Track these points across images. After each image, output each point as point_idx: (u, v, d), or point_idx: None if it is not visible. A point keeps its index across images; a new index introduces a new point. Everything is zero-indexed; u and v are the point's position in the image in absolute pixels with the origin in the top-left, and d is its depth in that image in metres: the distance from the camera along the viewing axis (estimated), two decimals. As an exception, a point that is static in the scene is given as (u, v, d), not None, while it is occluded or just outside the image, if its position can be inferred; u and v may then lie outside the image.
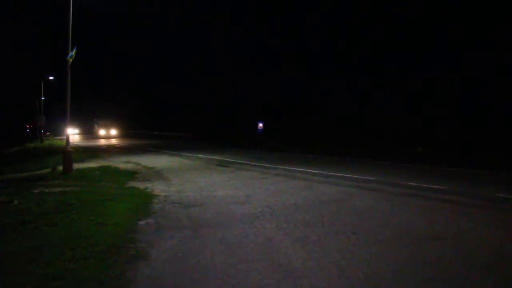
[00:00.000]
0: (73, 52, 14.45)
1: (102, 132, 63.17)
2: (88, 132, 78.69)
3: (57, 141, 43.45)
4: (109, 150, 29.29)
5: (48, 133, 62.92)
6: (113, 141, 44.78)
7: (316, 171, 14.14)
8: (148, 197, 9.69)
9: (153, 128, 65.29)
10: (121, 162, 18.95)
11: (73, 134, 78.20)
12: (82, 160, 19.74)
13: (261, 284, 4.38)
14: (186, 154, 23.98)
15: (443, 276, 4.58)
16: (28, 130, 79.49)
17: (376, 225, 6.84)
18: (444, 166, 15.80)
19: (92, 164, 17.93)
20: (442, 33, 29.94)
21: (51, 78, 48.45)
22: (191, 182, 12.18)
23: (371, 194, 9.75)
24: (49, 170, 15.07)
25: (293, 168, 15.15)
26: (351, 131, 32.47)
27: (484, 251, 5.45)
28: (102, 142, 44.02)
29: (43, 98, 50.97)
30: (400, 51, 32.96)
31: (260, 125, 36.52)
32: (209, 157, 21.63)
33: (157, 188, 11.13)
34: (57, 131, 67.48)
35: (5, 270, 4.63)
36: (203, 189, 10.92)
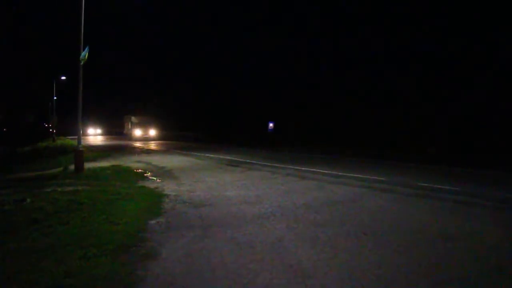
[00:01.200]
0: (86, 52, 14.54)
1: (138, 132, 51.55)
2: (118, 132, 68.19)
3: (69, 140, 43.81)
4: (121, 150, 29.40)
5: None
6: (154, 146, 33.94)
7: (327, 171, 14.09)
8: (159, 196, 9.73)
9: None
10: (132, 162, 19.05)
11: (94, 134, 73.14)
12: (93, 160, 19.90)
13: (271, 284, 4.37)
14: (197, 153, 24.05)
15: (455, 278, 4.53)
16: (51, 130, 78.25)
17: (387, 226, 6.80)
18: (456, 166, 15.65)
19: (104, 163, 18.05)
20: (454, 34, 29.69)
21: (63, 78, 48.81)
22: (201, 182, 12.20)
23: (382, 195, 9.69)
24: (61, 169, 15.20)
25: (304, 168, 15.12)
26: (362, 131, 32.29)
27: (497, 252, 5.38)
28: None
29: (55, 98, 51.42)
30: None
31: (271, 125, 36.57)
32: (220, 157, 21.68)
33: (168, 187, 11.16)
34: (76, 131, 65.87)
35: (19, 268, 4.67)
36: (214, 189, 10.94)
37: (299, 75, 44.92)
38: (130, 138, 50.30)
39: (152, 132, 51.92)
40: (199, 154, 23.85)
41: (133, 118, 53.42)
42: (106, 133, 76.45)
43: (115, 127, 73.67)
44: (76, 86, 14.95)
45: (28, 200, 8.50)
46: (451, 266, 4.86)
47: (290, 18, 57.83)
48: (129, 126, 54.48)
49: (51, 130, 52.55)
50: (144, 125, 52.06)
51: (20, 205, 8.16)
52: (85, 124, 69.37)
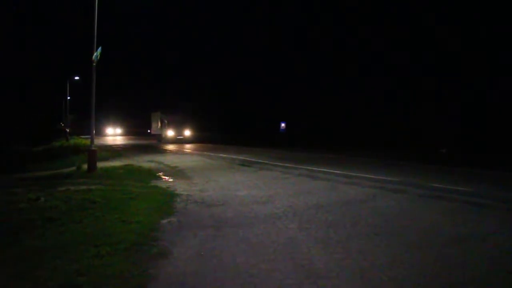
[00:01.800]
0: (98, 53, 14.66)
1: (170, 132, 40.81)
2: (139, 132, 63.51)
3: (82, 140, 44.23)
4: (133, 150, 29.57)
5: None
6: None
7: (339, 172, 14.02)
8: (171, 196, 9.77)
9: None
10: (144, 161, 19.18)
11: (113, 135, 69.28)
12: (106, 159, 20.07)
13: (282, 284, 4.35)
14: (209, 153, 24.10)
15: (468, 280, 4.47)
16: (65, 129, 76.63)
17: (399, 227, 6.74)
18: (469, 167, 15.47)
19: (116, 163, 18.20)
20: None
21: (76, 78, 49.31)
22: (213, 182, 12.23)
23: (394, 195, 9.61)
24: (74, 168, 15.35)
25: (316, 168, 15.06)
26: (374, 132, 32.11)
27: (510, 255, 5.31)
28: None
29: (69, 97, 51.98)
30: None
31: (283, 125, 36.58)
32: (232, 156, 21.71)
33: (180, 187, 11.21)
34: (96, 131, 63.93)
35: (33, 265, 4.73)
36: (225, 188, 10.96)
37: (311, 75, 44.65)
38: (161, 139, 42.19)
39: (187, 133, 41.68)
40: (211, 154, 23.92)
41: (164, 116, 43.10)
42: (127, 133, 72.46)
43: (137, 126, 69.19)
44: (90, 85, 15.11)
45: (43, 198, 8.59)
46: (464, 268, 4.80)
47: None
48: (158, 125, 44.18)
49: (65, 129, 53.02)
50: (177, 124, 41.34)
51: (35, 203, 8.26)
52: (103, 124, 68.44)
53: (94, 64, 14.71)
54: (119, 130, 72.88)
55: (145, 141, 46.82)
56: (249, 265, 4.91)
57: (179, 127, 41.20)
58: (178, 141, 40.07)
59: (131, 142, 44.02)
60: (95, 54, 14.61)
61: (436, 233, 6.36)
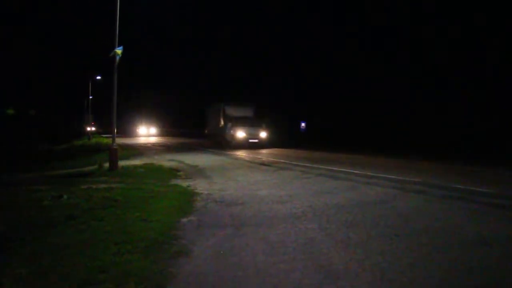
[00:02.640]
0: (119, 51, 14.82)
1: (240, 134, 28.19)
2: (183, 133, 57.21)
3: (104, 139, 44.86)
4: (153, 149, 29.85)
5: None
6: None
7: (359, 172, 13.87)
8: (191, 195, 9.81)
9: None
10: (165, 160, 19.33)
11: (146, 135, 61.71)
12: (127, 158, 20.30)
13: (301, 284, 4.32)
14: (228, 152, 24.16)
15: (491, 284, 4.37)
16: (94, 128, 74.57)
17: (420, 228, 6.61)
18: (492, 168, 15.13)
19: (137, 161, 18.39)
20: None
21: (98, 77, 50.04)
22: (233, 181, 12.24)
23: (415, 196, 9.45)
24: (95, 167, 15.57)
25: (336, 168, 14.94)
26: (395, 131, 31.73)
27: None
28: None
29: (91, 97, 52.80)
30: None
31: (303, 124, 36.44)
32: (251, 156, 21.71)
33: (200, 186, 11.25)
34: (127, 131, 59.76)
35: (56, 262, 4.80)
36: (245, 188, 10.95)
37: (333, 74, 44.19)
38: (226, 143, 29.15)
39: (263, 135, 28.90)
40: (230, 153, 23.95)
41: (231, 110, 30.40)
42: (165, 133, 64.84)
43: (177, 126, 63.68)
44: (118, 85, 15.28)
45: (65, 196, 8.73)
46: (486, 271, 4.67)
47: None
48: (221, 123, 30.90)
49: (88, 128, 53.88)
50: (248, 123, 28.86)
51: (57, 201, 8.41)
52: (133, 123, 66.01)
53: (116, 63, 14.87)
54: (154, 130, 64.28)
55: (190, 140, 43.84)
56: (268, 265, 4.88)
57: (252, 127, 28.71)
58: (251, 145, 28.05)
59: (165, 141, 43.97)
60: (114, 51, 14.75)
61: (458, 234, 6.22)
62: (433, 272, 4.63)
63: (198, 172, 14.84)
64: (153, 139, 48.00)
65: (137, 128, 63.52)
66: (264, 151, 25.84)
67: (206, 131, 36.98)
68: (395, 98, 34.87)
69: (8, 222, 6.64)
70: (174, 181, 12.25)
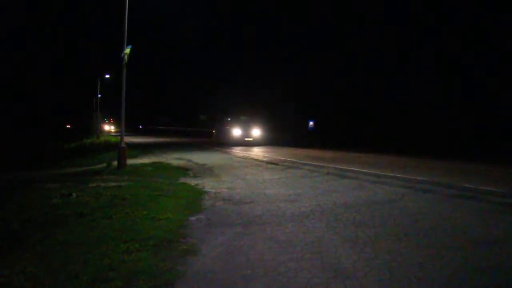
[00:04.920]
0: (128, 50, 14.90)
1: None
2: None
3: (112, 138, 45.08)
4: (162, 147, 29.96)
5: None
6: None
7: (368, 171, 13.79)
8: (199, 193, 9.83)
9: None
10: (173, 159, 19.37)
11: (239, 136, 35.82)
12: (135, 156, 20.38)
13: (310, 283, 4.31)
14: (237, 151, 24.17)
15: (501, 284, 4.34)
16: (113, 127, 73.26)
17: (429, 227, 6.57)
18: (503, 167, 14.98)
19: (145, 160, 18.46)
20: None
21: (107, 76, 50.25)
22: (241, 180, 12.25)
23: (424, 195, 9.39)
24: (104, 165, 15.66)
25: (344, 167, 14.88)
26: (404, 130, 31.56)
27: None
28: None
29: (100, 95, 53.14)
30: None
31: (311, 123, 36.34)
32: (259, 154, 21.70)
33: (208, 184, 11.27)
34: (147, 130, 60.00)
35: (65, 259, 4.84)
36: (253, 186, 10.96)
37: (340, 73, 44.00)
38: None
39: (257, 133, 31.02)
40: (237, 151, 23.97)
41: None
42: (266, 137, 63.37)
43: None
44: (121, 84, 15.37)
45: (74, 194, 8.80)
46: (497, 272, 4.63)
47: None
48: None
49: (106, 127, 54.34)
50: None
51: (67, 199, 8.47)
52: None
53: (125, 62, 14.95)
54: (258, 132, 59.62)
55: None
56: (276, 263, 4.88)
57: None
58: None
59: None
60: (124, 52, 14.85)
61: (467, 234, 6.17)
62: (442, 272, 4.60)
63: (206, 170, 14.85)
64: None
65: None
66: (267, 149, 26.45)
67: (213, 131, 38.87)
68: (403, 96, 34.69)
69: (19, 219, 6.70)
70: (183, 179, 12.27)
